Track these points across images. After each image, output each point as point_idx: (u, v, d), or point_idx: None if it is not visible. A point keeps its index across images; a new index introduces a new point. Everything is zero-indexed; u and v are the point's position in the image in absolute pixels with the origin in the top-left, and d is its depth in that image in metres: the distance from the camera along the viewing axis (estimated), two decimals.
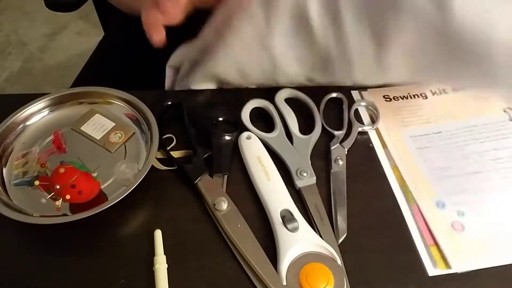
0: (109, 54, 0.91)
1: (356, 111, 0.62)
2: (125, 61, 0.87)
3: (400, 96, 0.64)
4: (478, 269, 0.47)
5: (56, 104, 0.61)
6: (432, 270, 0.47)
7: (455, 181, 0.54)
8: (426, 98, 0.63)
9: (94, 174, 0.50)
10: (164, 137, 0.58)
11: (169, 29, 0.87)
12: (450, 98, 0.63)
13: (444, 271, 0.47)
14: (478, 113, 0.61)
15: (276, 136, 0.58)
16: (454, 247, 0.48)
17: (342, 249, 0.49)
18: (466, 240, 0.49)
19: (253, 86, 0.65)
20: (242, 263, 0.48)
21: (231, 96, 0.64)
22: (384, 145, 0.58)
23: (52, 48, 1.90)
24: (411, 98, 0.63)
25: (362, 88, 0.65)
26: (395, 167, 0.56)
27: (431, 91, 0.64)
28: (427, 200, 0.52)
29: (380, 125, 0.60)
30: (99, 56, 0.91)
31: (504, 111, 0.61)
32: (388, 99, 0.63)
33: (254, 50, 0.58)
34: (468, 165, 0.55)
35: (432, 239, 0.49)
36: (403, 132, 0.59)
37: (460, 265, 0.47)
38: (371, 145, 0.58)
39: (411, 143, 0.58)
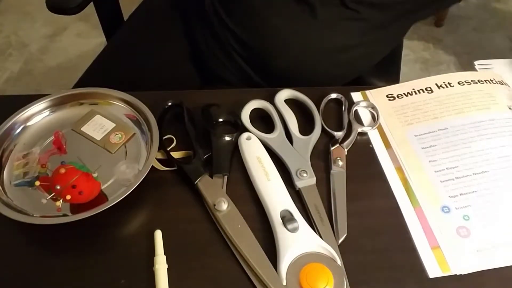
0: (112, 57, 0.91)
1: (356, 112, 0.62)
2: (126, 63, 0.87)
3: (404, 93, 0.64)
4: (479, 270, 0.47)
5: (57, 105, 0.61)
6: (433, 272, 0.47)
7: (461, 182, 0.54)
8: (432, 92, 0.63)
9: (95, 175, 0.50)
10: (164, 137, 0.58)
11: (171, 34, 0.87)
12: (455, 91, 0.63)
13: (445, 273, 0.47)
14: (484, 108, 0.60)
15: (276, 137, 0.58)
16: (457, 252, 0.48)
17: (342, 249, 0.49)
18: (471, 245, 0.49)
19: None
20: (242, 263, 0.48)
21: (231, 97, 0.64)
22: (387, 146, 0.58)
23: (52, 50, 1.89)
24: (416, 93, 0.63)
25: (364, 88, 0.65)
26: (398, 168, 0.56)
27: (436, 84, 0.64)
28: (432, 204, 0.52)
29: (384, 125, 0.60)
30: (102, 58, 0.91)
31: (509, 108, 0.61)
32: (392, 98, 0.63)
33: None
34: (475, 164, 0.55)
35: (435, 242, 0.49)
36: (408, 131, 0.59)
37: (461, 269, 0.47)
38: (371, 145, 0.58)
39: (415, 143, 0.58)
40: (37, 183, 0.51)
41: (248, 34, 0.77)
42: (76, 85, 0.83)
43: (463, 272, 0.47)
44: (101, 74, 0.87)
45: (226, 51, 0.80)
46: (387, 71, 0.86)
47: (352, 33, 0.75)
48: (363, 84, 0.81)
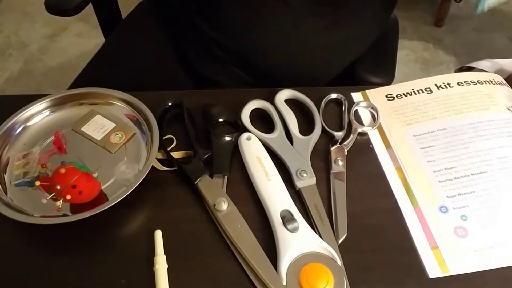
0: (110, 57, 0.91)
1: (356, 112, 0.62)
2: (126, 63, 0.87)
3: (403, 93, 0.64)
4: (478, 271, 0.47)
5: (57, 105, 0.61)
6: (433, 272, 0.47)
7: (459, 183, 0.54)
8: (431, 92, 0.63)
9: (95, 175, 0.50)
10: (164, 137, 0.58)
11: (172, 34, 0.88)
12: (454, 92, 0.63)
13: (445, 273, 0.47)
14: (483, 109, 0.60)
15: (276, 137, 0.58)
16: (455, 253, 0.48)
17: (342, 249, 0.49)
18: (469, 245, 0.49)
19: None
20: (242, 263, 0.48)
21: (231, 97, 0.64)
22: (387, 146, 0.58)
23: (52, 50, 1.90)
24: (415, 94, 0.63)
25: (364, 88, 0.65)
26: (398, 169, 0.56)
27: (436, 85, 0.64)
28: (430, 204, 0.52)
29: (384, 125, 0.60)
30: (99, 58, 0.92)
31: (508, 109, 0.61)
32: (391, 98, 0.63)
33: None
34: (473, 165, 0.55)
35: (434, 242, 0.49)
36: (407, 132, 0.59)
37: (459, 269, 0.47)
38: (371, 145, 0.58)
39: (414, 143, 0.58)
40: (37, 183, 0.51)
41: (230, 40, 0.78)
42: (72, 85, 0.84)
43: (461, 272, 0.47)
44: (96, 75, 0.87)
45: (213, 57, 0.81)
46: (382, 67, 0.86)
47: (329, 17, 0.76)
48: (359, 80, 0.82)
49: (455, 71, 0.68)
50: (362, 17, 0.79)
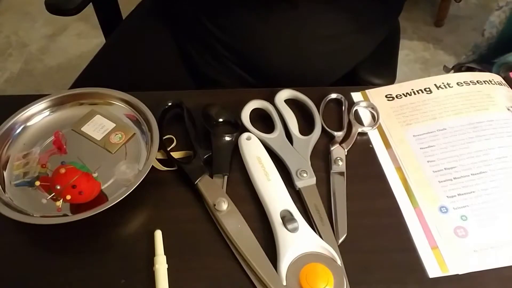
0: (110, 57, 0.91)
1: (356, 112, 0.62)
2: (126, 63, 0.87)
3: (403, 94, 0.64)
4: (478, 271, 0.47)
5: (57, 105, 0.61)
6: (433, 272, 0.47)
7: (459, 183, 0.54)
8: (431, 92, 0.63)
9: (95, 175, 0.50)
10: (164, 137, 0.58)
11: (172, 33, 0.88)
12: (454, 92, 0.63)
13: (445, 273, 0.47)
14: (482, 109, 0.60)
15: (276, 137, 0.58)
16: (455, 253, 0.48)
17: (342, 249, 0.49)
18: (469, 245, 0.49)
19: None
20: (242, 263, 0.48)
21: (231, 97, 0.64)
22: (387, 146, 0.58)
23: (52, 50, 1.90)
24: (414, 94, 0.63)
25: (364, 88, 0.65)
26: (398, 169, 0.56)
27: (435, 85, 0.64)
28: (430, 204, 0.52)
29: (383, 125, 0.60)
30: (100, 58, 0.92)
31: (508, 109, 0.61)
32: (391, 98, 0.63)
33: None
34: (473, 165, 0.55)
35: (434, 242, 0.49)
36: (406, 132, 0.59)
37: (459, 269, 0.47)
38: (371, 145, 0.58)
39: (414, 143, 0.58)
40: (37, 183, 0.51)
41: (235, 40, 0.78)
42: (73, 85, 0.84)
43: (461, 272, 0.47)
44: (96, 75, 0.87)
45: (216, 57, 0.81)
46: (384, 69, 0.86)
47: (336, 22, 0.76)
48: (360, 81, 0.82)
49: (455, 71, 0.68)
50: (368, 23, 0.79)
